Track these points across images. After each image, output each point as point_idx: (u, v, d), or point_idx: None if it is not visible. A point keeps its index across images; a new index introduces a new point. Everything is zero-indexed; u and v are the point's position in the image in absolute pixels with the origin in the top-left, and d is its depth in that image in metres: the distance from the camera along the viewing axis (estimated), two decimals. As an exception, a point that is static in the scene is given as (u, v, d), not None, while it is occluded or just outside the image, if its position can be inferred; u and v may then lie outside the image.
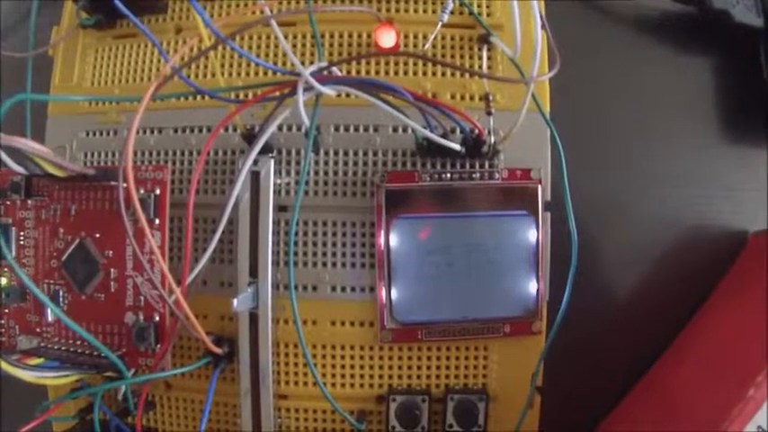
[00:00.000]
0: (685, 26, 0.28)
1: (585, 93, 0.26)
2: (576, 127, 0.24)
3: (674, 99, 0.27)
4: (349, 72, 0.23)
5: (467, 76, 0.23)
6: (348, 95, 0.23)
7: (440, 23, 0.23)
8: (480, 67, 0.23)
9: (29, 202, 0.24)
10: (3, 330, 0.25)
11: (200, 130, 0.24)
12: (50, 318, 0.24)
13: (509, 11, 0.23)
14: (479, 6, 0.23)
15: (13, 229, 0.24)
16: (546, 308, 0.22)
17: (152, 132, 0.24)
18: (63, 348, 0.23)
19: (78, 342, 0.23)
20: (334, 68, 0.22)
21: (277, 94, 0.21)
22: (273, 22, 0.21)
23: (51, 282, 0.24)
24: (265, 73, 0.23)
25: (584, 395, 0.25)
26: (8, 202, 0.24)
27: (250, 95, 0.23)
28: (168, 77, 0.20)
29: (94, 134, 0.25)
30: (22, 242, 0.24)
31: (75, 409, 0.24)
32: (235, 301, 0.21)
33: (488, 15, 0.23)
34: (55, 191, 0.24)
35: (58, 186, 0.24)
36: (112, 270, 0.23)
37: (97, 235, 0.23)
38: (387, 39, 0.22)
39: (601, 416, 0.24)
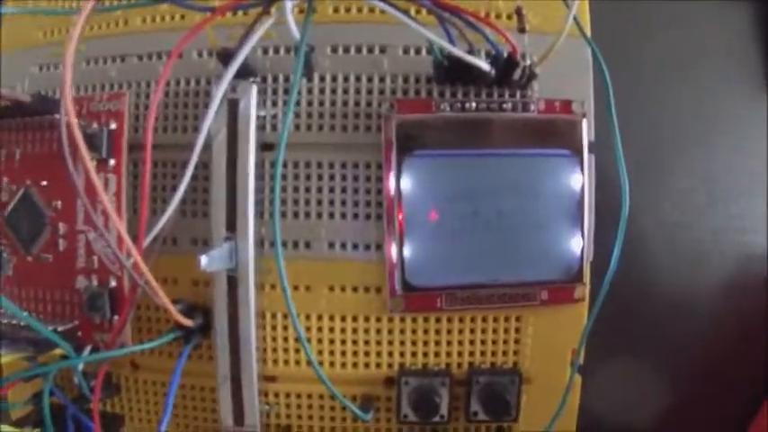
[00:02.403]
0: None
1: (623, 24, 0.21)
2: (614, 61, 0.19)
3: (718, 39, 0.22)
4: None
5: (493, -13, 0.18)
6: (348, 10, 0.18)
7: None
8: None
9: (-35, 146, 0.19)
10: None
11: (169, 57, 0.19)
12: (-7, 284, 0.19)
13: None
14: None
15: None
16: (590, 270, 0.17)
17: (113, 61, 0.19)
18: (3, 322, 0.18)
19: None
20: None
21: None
22: None
23: (-7, 241, 0.19)
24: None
25: (631, 377, 0.19)
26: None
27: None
28: None
29: (49, 68, 0.20)
30: (-40, 194, 0.19)
31: (30, 394, 0.19)
32: (203, 259, 0.15)
33: None
34: (-3, 132, 0.19)
35: (2, 128, 0.19)
36: (61, 225, 0.17)
37: (44, 183, 0.18)
38: None
39: (651, 399, 0.19)
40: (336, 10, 0.17)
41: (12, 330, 0.17)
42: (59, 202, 0.17)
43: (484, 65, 0.16)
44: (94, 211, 0.16)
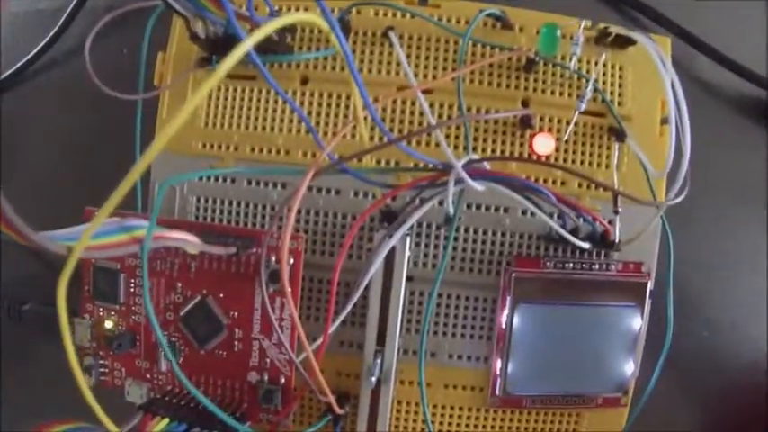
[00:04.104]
0: (753, 110, 0.28)
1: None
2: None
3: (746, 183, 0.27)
4: (484, 151, 0.22)
5: (595, 166, 0.22)
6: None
7: (577, 112, 0.22)
8: (609, 159, 0.22)
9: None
10: (107, 371, 0.23)
11: (329, 192, 0.22)
12: (164, 367, 0.22)
13: (640, 102, 0.23)
14: (611, 95, 0.22)
15: (122, 275, 0.22)
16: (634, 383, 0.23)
17: (274, 186, 0.22)
18: (182, 403, 0.21)
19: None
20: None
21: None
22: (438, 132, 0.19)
23: (166, 333, 0.22)
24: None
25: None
26: (115, 246, 0.22)
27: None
28: (327, 168, 0.18)
29: (209, 179, 0.22)
30: (132, 290, 0.22)
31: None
32: (373, 380, 0.20)
33: (619, 105, 0.22)
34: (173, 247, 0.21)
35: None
36: (237, 330, 0.21)
37: (221, 295, 0.21)
38: (543, 146, 0.21)
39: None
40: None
41: (198, 413, 0.21)
42: (236, 313, 0.21)
43: (584, 246, 0.21)
44: (276, 324, 0.20)
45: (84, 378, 0.22)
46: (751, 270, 0.27)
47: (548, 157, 0.21)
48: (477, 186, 0.19)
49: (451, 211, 0.19)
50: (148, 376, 0.22)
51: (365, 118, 0.19)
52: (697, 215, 0.27)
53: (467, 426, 0.23)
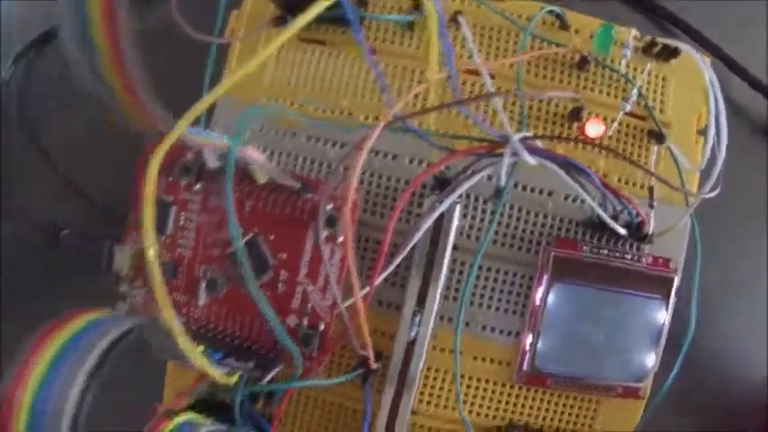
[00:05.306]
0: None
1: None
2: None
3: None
4: (535, 131, 0.24)
5: (634, 162, 0.24)
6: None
7: (621, 112, 0.24)
8: (647, 159, 0.24)
9: (197, 186, 0.23)
10: (142, 302, 0.23)
11: (385, 156, 0.23)
12: (202, 301, 0.22)
13: (678, 111, 0.24)
14: (653, 101, 0.24)
15: (174, 207, 0.22)
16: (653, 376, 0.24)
17: (333, 145, 0.23)
18: (219, 337, 0.22)
19: (228, 332, 0.22)
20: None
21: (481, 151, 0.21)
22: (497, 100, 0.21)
23: (210, 268, 0.22)
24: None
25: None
26: (171, 179, 0.22)
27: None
28: (391, 124, 0.19)
29: (270, 131, 0.23)
30: (181, 223, 0.22)
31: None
32: (412, 334, 0.21)
33: (661, 111, 0.24)
34: (232, 182, 0.22)
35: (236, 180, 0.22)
36: (283, 272, 0.22)
37: (272, 237, 0.22)
38: (594, 130, 0.23)
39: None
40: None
41: (236, 347, 0.21)
42: (284, 255, 0.21)
43: (622, 231, 0.22)
44: (330, 270, 0.21)
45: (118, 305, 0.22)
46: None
47: (594, 144, 0.23)
48: (531, 160, 0.20)
49: (503, 182, 0.21)
50: (184, 311, 0.22)
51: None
52: (719, 230, 0.28)
53: (491, 399, 0.23)
